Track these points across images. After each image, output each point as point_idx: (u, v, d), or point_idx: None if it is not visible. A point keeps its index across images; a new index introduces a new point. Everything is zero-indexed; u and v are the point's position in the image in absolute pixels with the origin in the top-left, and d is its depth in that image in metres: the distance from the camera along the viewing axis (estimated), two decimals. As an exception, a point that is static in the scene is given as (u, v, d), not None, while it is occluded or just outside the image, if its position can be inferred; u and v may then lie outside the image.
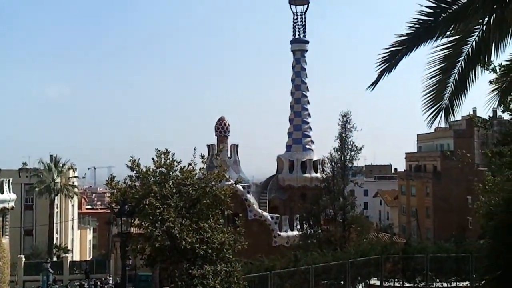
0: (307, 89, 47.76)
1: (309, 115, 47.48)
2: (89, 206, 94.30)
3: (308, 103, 47.70)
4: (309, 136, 47.09)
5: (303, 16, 48.91)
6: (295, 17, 48.86)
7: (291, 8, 49.06)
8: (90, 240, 72.13)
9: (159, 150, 16.72)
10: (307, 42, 48.82)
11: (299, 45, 48.23)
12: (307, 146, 46.45)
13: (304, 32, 48.75)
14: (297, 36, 48.59)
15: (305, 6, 49.01)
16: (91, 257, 66.52)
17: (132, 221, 16.36)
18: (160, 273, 22.61)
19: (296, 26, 48.72)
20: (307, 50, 48.53)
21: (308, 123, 47.24)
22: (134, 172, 16.67)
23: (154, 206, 15.03)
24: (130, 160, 16.70)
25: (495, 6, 4.83)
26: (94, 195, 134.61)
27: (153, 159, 16.62)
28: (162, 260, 16.44)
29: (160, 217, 14.97)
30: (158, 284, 29.80)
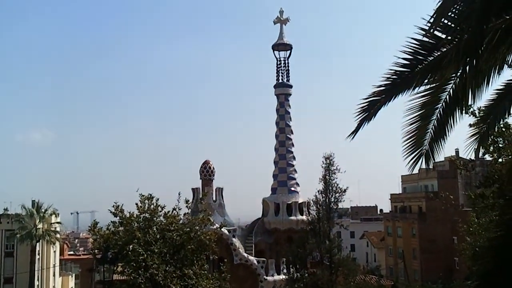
0: (291, 132, 48.17)
1: (293, 157, 47.71)
2: (72, 252, 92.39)
3: (293, 145, 48.03)
4: (294, 179, 47.16)
5: (286, 61, 49.86)
6: (278, 62, 49.79)
7: (274, 53, 50.03)
8: (72, 287, 70.31)
9: (143, 195, 16.64)
10: (291, 86, 49.57)
11: (282, 89, 48.93)
12: (292, 189, 46.44)
13: (288, 76, 49.60)
14: (280, 81, 49.35)
15: (288, 52, 50.03)
16: (73, 305, 64.71)
17: (115, 268, 16.10)
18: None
19: (280, 71, 49.57)
20: (290, 94, 49.22)
21: (293, 165, 47.41)
22: (118, 218, 16.51)
23: (138, 252, 14.84)
24: (113, 206, 16.55)
25: (467, 59, 5.00)
26: (76, 240, 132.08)
27: (136, 204, 16.51)
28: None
29: (143, 264, 14.77)
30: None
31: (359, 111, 6.03)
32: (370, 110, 6.00)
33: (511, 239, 5.19)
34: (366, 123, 6.11)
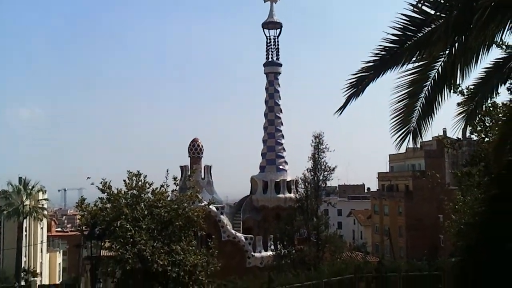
0: (281, 111, 48.12)
1: (282, 136, 47.76)
2: (59, 229, 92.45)
3: (282, 124, 48.03)
4: (283, 157, 47.29)
5: (276, 40, 49.54)
6: (268, 41, 49.43)
7: (264, 32, 49.65)
8: (59, 264, 70.54)
9: (131, 172, 16.58)
10: (280, 65, 49.36)
11: (272, 68, 48.71)
12: (281, 167, 46.60)
13: (277, 55, 49.33)
14: (270, 59, 49.09)
15: (278, 30, 49.67)
16: (61, 280, 64.98)
17: (103, 244, 16.11)
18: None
19: (270, 49, 49.26)
20: (280, 73, 49.03)
21: (281, 144, 47.49)
22: (105, 194, 16.47)
23: (125, 228, 14.85)
24: (101, 182, 16.49)
25: (456, 36, 4.98)
26: (64, 217, 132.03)
27: (124, 181, 16.46)
28: (134, 283, 16.18)
29: (131, 240, 14.78)
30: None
31: (347, 87, 6.02)
32: (358, 86, 5.99)
33: (494, 215, 5.25)
34: (354, 99, 6.10)
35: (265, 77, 48.81)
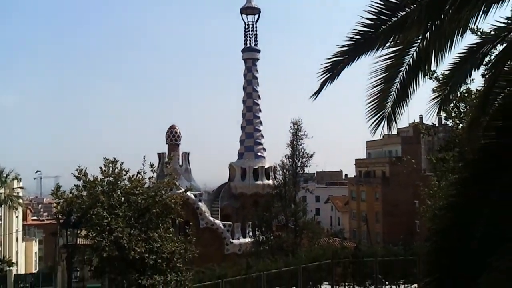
0: (259, 97, 48.07)
1: (261, 123, 47.77)
2: (35, 217, 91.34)
3: (260, 111, 48.01)
4: (261, 144, 47.34)
5: (254, 26, 49.35)
6: (246, 27, 49.24)
7: (242, 17, 49.41)
8: (36, 253, 69.78)
9: (107, 159, 16.41)
10: (258, 51, 49.21)
11: (250, 54, 48.55)
12: (259, 154, 46.67)
13: (256, 41, 49.18)
14: (248, 45, 48.91)
15: (256, 16, 49.47)
16: (37, 269, 64.35)
17: (79, 231, 15.96)
18: (109, 284, 22.08)
19: (248, 35, 49.08)
20: (258, 59, 48.91)
21: (260, 130, 47.51)
22: (81, 181, 16.29)
23: (102, 216, 14.73)
24: (77, 169, 16.30)
25: (430, 21, 4.99)
26: (40, 205, 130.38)
27: (100, 168, 16.29)
28: (111, 271, 16.11)
29: (107, 227, 14.67)
30: (108, 295, 29.07)
31: (322, 71, 6.01)
32: (333, 70, 5.99)
33: (466, 198, 5.32)
34: (330, 83, 6.10)
35: (243, 63, 48.63)
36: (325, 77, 6.00)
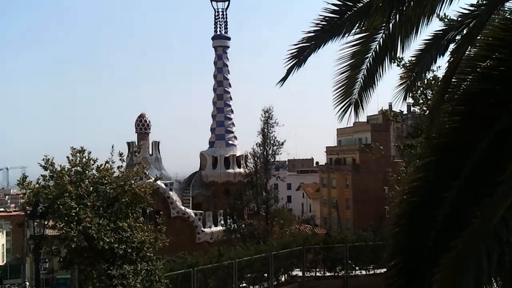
0: (230, 85, 47.86)
1: (231, 111, 47.62)
2: (2, 209, 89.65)
3: (231, 99, 47.84)
4: (232, 132, 47.25)
5: (224, 13, 48.97)
6: (216, 14, 48.80)
7: (212, 4, 48.96)
8: (3, 244, 68.60)
9: (74, 149, 16.11)
10: (229, 39, 48.92)
11: (220, 41, 48.23)
12: (230, 142, 46.58)
13: (226, 28, 48.83)
14: (218, 33, 48.55)
15: (226, 3, 49.08)
16: (5, 262, 63.27)
17: (47, 222, 15.68)
18: (79, 275, 21.83)
19: (218, 23, 48.66)
20: (228, 47, 48.62)
21: (231, 119, 47.38)
22: (48, 171, 15.97)
23: (69, 206, 14.46)
24: (43, 159, 15.97)
25: (395, 7, 5.02)
26: (7, 197, 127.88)
27: (68, 157, 15.98)
28: (80, 262, 15.90)
29: (76, 218, 14.43)
30: (78, 286, 28.78)
31: (288, 58, 5.99)
32: (299, 56, 5.98)
33: (429, 181, 5.42)
34: (296, 70, 6.09)
35: (213, 50, 48.31)
36: (291, 64, 6.00)
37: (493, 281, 6.38)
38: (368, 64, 7.00)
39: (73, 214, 14.49)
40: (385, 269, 25.72)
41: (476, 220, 4.30)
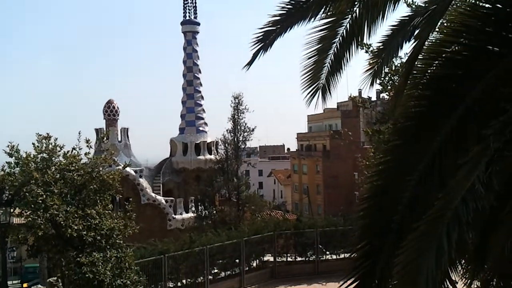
0: (199, 71, 47.53)
1: (202, 97, 47.36)
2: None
3: (201, 85, 47.55)
4: (203, 118, 47.03)
5: (194, -2, 48.45)
6: (185, -1, 48.26)
7: (180, -12, 48.37)
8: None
9: (40, 135, 15.79)
10: (198, 24, 48.45)
11: (190, 27, 47.75)
12: (201, 128, 46.38)
13: (195, 13, 48.35)
14: (187, 18, 48.04)
15: (195, -13, 48.55)
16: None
17: (13, 210, 15.40)
18: (47, 263, 21.58)
19: (187, 8, 48.14)
20: (198, 32, 48.19)
21: (201, 105, 47.13)
22: (13, 158, 15.63)
23: (36, 193, 14.20)
24: (8, 146, 15.62)
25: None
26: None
27: (33, 144, 15.66)
28: (48, 250, 15.67)
29: (43, 205, 14.19)
30: (47, 275, 28.44)
31: (254, 41, 5.96)
32: (265, 40, 5.95)
33: (394, 164, 5.50)
34: (262, 54, 6.06)
35: (182, 36, 47.83)
36: (257, 47, 5.97)
37: (457, 263, 6.54)
38: (335, 49, 7.02)
39: (40, 201, 14.24)
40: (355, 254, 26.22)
41: (437, 202, 4.38)
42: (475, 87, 5.00)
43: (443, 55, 5.64)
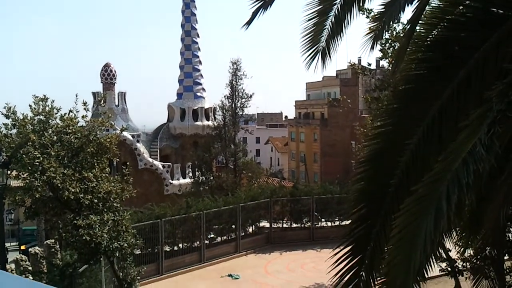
0: (198, 35, 46.88)
1: (200, 62, 46.84)
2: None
3: (199, 49, 46.97)
4: (201, 84, 46.65)
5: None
6: (184, -40, 47.22)
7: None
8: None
9: (37, 97, 15.63)
10: (197, -14, 47.58)
11: (188, -11, 46.90)
12: (199, 94, 46.07)
13: (194, -24, 47.38)
14: (186, -21, 47.12)
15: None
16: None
17: (10, 172, 15.37)
18: (45, 225, 21.71)
19: (185, -31, 47.16)
20: (196, -5, 47.36)
21: (199, 70, 46.65)
22: (10, 120, 15.51)
23: (33, 155, 14.14)
24: (5, 107, 15.48)
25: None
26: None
27: (30, 106, 15.51)
28: (45, 212, 15.71)
29: (40, 167, 14.15)
30: (44, 237, 28.69)
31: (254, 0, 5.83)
32: (265, -1, 5.82)
33: (392, 126, 5.45)
34: (262, 12, 5.93)
35: None
36: (256, 6, 5.83)
37: (453, 230, 6.56)
38: (336, 11, 6.89)
39: (37, 163, 14.19)
40: (350, 221, 26.47)
41: (436, 165, 4.34)
42: (478, 50, 4.91)
43: (447, 17, 5.53)
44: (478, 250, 10.92)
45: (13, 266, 17.13)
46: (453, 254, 12.92)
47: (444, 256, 13.11)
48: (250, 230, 27.43)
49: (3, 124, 15.68)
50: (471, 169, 3.94)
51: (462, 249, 10.62)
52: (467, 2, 5.59)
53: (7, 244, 25.98)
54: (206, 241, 24.46)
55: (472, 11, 5.42)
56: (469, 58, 4.91)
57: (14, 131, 15.54)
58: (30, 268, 17.20)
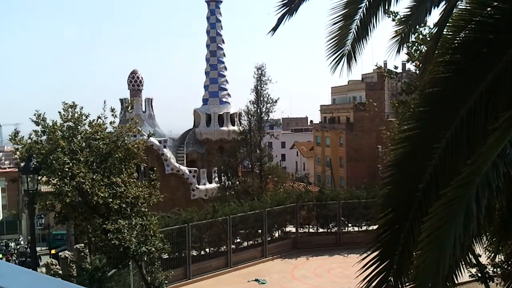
0: (223, 41, 47.19)
1: (225, 68, 47.12)
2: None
3: (224, 55, 47.25)
4: (226, 89, 46.91)
5: (218, -34, 47.74)
6: (208, -33, 47.61)
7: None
8: (-1, 201, 68.94)
9: (66, 104, 15.95)
10: (221, -7, 47.91)
11: (213, -4, 47.26)
12: (224, 99, 46.32)
13: (219, -18, 47.71)
14: (211, -14, 47.50)
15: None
16: (1, 217, 63.74)
17: (40, 178, 15.68)
18: (74, 230, 22.07)
19: (210, -24, 47.54)
20: (221, 1, 47.65)
21: (224, 76, 46.93)
22: (40, 126, 15.85)
23: (63, 161, 14.41)
24: (35, 114, 15.83)
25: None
26: (1, 154, 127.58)
27: (59, 112, 15.82)
28: (75, 217, 15.98)
29: (69, 173, 14.41)
30: (74, 241, 29.17)
31: (279, 6, 5.84)
32: (291, 4, 5.82)
33: (420, 130, 5.39)
34: (288, 18, 5.94)
35: (206, 5, 47.41)
36: (282, 12, 5.85)
37: (483, 234, 6.45)
38: (361, 14, 6.86)
39: (67, 169, 14.46)
40: (377, 226, 26.19)
41: (465, 169, 4.29)
42: (507, 52, 4.84)
43: (474, 19, 5.46)
44: (509, 256, 10.70)
45: (44, 270, 17.44)
46: (483, 260, 12.67)
47: (474, 261, 12.87)
48: (276, 234, 27.37)
49: (34, 131, 16.03)
50: (501, 172, 3.88)
51: (493, 254, 10.42)
52: (495, 3, 5.52)
53: (37, 248, 26.47)
54: (233, 246, 24.50)
55: (500, 13, 5.35)
56: (498, 60, 4.84)
57: (44, 137, 15.87)
58: (60, 272, 17.50)
